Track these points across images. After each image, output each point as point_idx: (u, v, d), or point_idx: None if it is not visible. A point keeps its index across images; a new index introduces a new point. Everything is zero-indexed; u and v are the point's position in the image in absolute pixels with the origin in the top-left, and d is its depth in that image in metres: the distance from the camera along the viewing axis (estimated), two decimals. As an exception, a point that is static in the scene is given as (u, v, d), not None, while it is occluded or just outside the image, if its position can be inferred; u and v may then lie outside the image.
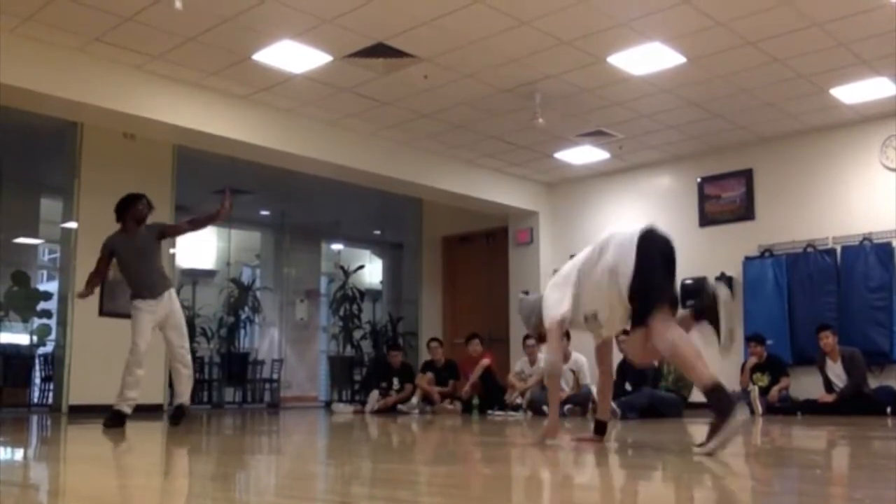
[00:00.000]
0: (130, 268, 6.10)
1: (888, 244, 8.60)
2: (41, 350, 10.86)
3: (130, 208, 6.13)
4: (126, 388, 5.91)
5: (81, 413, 7.79)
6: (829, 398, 8.08)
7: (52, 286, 11.37)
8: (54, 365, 9.38)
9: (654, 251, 3.90)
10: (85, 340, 8.26)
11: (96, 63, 7.20)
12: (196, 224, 6.46)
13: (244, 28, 6.69)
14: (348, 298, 13.96)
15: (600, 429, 4.33)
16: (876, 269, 8.59)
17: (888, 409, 7.69)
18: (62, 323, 8.65)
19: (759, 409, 8.11)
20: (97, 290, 6.47)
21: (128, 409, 5.91)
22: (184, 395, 6.20)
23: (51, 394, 9.66)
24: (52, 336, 10.19)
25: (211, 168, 10.27)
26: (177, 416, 6.11)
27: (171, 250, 8.53)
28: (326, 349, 14.56)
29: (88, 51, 7.09)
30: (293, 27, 6.71)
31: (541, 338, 4.52)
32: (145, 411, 6.43)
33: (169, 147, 9.08)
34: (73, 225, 8.59)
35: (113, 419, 5.81)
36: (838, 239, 8.96)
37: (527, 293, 4.83)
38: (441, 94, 8.12)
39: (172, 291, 6.25)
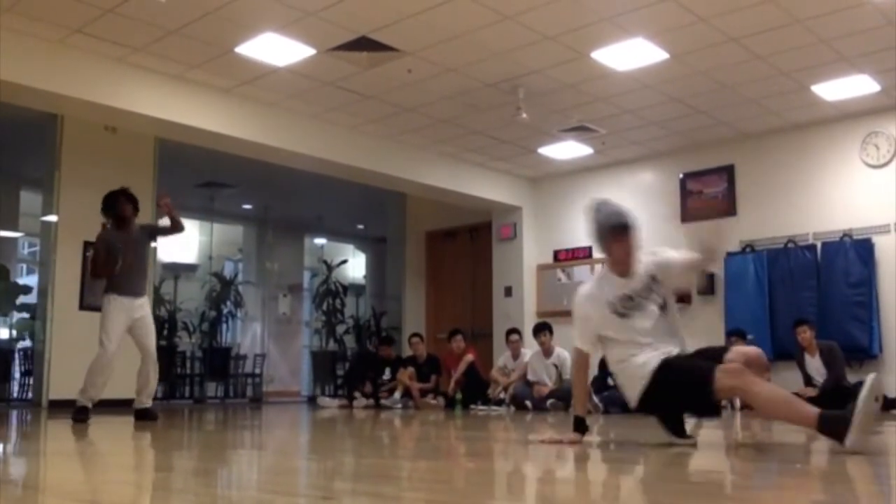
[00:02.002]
0: (123, 263, 6.01)
1: (868, 240, 8.67)
2: (21, 344, 10.78)
3: (114, 206, 6.08)
4: (92, 389, 5.86)
5: (61, 408, 7.72)
6: (811, 392, 8.08)
7: (31, 280, 11.28)
8: (34, 359, 9.31)
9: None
10: (65, 335, 8.20)
11: (77, 55, 7.13)
12: (173, 230, 6.35)
13: (227, 20, 6.65)
14: (331, 293, 13.93)
15: (580, 426, 3.97)
16: (856, 264, 8.66)
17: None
18: (42, 317, 8.58)
19: (739, 403, 8.15)
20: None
21: (90, 404, 5.89)
22: (150, 398, 6.20)
23: (30, 388, 9.58)
24: (32, 330, 10.11)
25: (193, 161, 10.23)
26: (151, 418, 6.11)
27: (152, 244, 8.48)
28: (309, 344, 14.53)
29: (69, 43, 7.02)
30: (276, 20, 6.67)
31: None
32: (128, 406, 6.38)
33: (150, 140, 9.01)
34: (53, 218, 8.52)
35: (81, 414, 5.79)
36: (819, 235, 9.03)
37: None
38: (425, 88, 8.10)
39: (147, 298, 6.23)
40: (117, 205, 6.08)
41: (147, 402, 6.16)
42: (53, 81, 7.05)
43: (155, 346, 6.21)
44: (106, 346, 5.82)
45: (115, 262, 5.95)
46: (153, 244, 6.39)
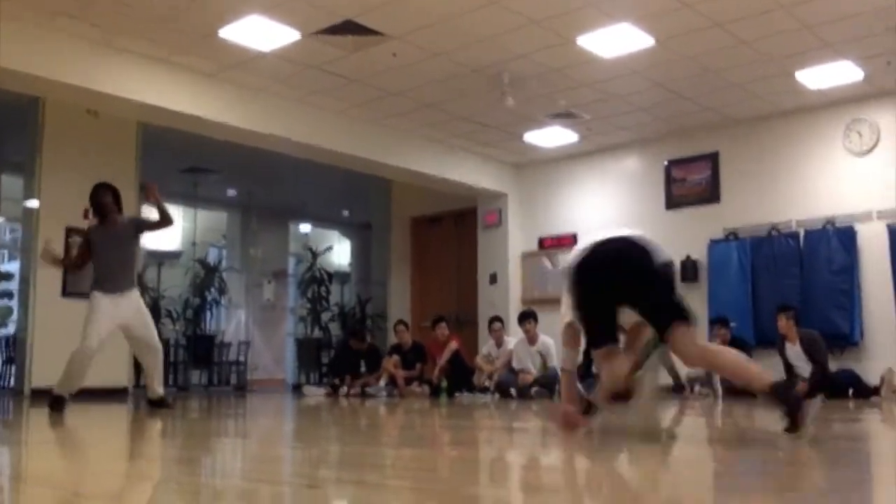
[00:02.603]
0: (102, 258, 5.89)
1: (850, 228, 8.72)
2: (2, 332, 10.70)
3: (94, 197, 5.99)
4: (68, 382, 5.75)
5: (44, 396, 7.66)
6: (803, 387, 7.89)
7: (13, 266, 11.19)
8: (16, 347, 9.24)
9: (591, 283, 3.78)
10: (47, 322, 8.12)
11: (59, 38, 7.04)
12: (161, 223, 6.13)
13: (211, 3, 6.58)
14: (316, 280, 13.88)
15: (591, 410, 4.00)
16: (838, 252, 8.71)
17: (850, 391, 7.81)
18: (24, 304, 8.50)
19: (721, 391, 8.19)
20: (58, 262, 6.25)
21: (68, 395, 5.81)
22: (161, 386, 6.15)
23: (12, 377, 9.52)
24: (14, 317, 10.05)
25: (176, 146, 10.14)
26: (165, 406, 6.08)
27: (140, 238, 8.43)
28: (294, 331, 14.50)
29: (52, 25, 6.92)
30: (261, 2, 6.61)
31: None
32: (110, 395, 6.34)
33: (133, 124, 8.93)
34: (34, 203, 8.43)
35: (58, 403, 5.71)
36: (802, 222, 9.07)
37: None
38: (410, 72, 8.06)
39: (137, 291, 6.09)
40: (96, 195, 5.98)
41: (159, 391, 6.10)
42: (35, 64, 6.95)
43: (156, 336, 6.06)
44: (83, 343, 5.68)
45: (81, 262, 5.93)
46: (140, 238, 6.21)
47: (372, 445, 3.86)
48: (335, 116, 9.24)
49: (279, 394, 11.10)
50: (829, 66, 7.90)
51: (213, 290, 13.26)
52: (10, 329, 10.49)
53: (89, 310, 5.81)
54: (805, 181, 9.14)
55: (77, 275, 8.37)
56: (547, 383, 8.48)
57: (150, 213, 6.29)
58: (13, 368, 9.47)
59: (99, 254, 5.93)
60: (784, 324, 8.13)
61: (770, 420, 4.85)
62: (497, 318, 9.75)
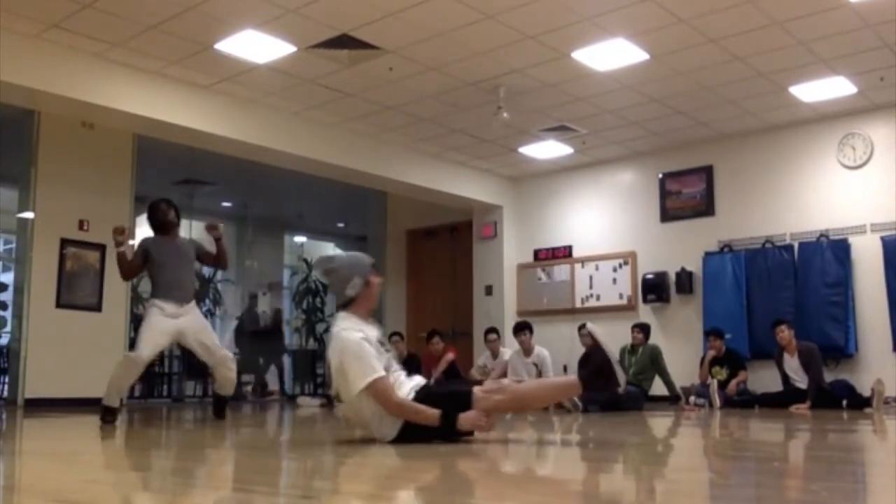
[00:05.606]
0: (166, 268, 5.82)
1: (844, 241, 8.76)
2: (-5, 343, 10.65)
3: (155, 214, 5.95)
4: (120, 389, 5.72)
5: (38, 406, 7.65)
6: (805, 407, 7.79)
7: (7, 277, 11.16)
8: (9, 358, 9.20)
9: None
10: (41, 333, 8.11)
11: (54, 50, 7.06)
12: (217, 261, 6.38)
13: (207, 16, 6.61)
14: (311, 291, 13.87)
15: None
16: (832, 265, 8.75)
17: (844, 403, 7.83)
18: (18, 315, 8.48)
19: (718, 402, 8.21)
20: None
21: (116, 404, 5.76)
22: (230, 390, 6.13)
23: (5, 387, 9.48)
24: (8, 328, 10.00)
25: (171, 158, 10.15)
26: (221, 408, 6.08)
27: (131, 242, 8.43)
28: (289, 342, 14.47)
29: (46, 37, 6.94)
30: (257, 16, 6.64)
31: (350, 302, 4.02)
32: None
33: (129, 137, 8.93)
34: (29, 215, 8.43)
35: (108, 414, 5.62)
36: (796, 235, 9.11)
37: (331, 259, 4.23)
38: (406, 86, 8.09)
39: (193, 303, 6.03)
40: (157, 212, 5.93)
41: (226, 393, 6.11)
42: (30, 77, 6.97)
43: (216, 342, 5.96)
44: (136, 351, 5.60)
45: (138, 269, 5.84)
46: (131, 237, 6.18)
47: (367, 456, 3.86)
48: (331, 129, 9.27)
49: (274, 404, 11.06)
50: (823, 81, 7.97)
51: (207, 301, 13.23)
52: (4, 340, 10.44)
53: (146, 320, 5.73)
54: (799, 194, 9.19)
55: (72, 286, 8.40)
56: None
57: (210, 247, 6.28)
58: (6, 379, 9.43)
59: (163, 265, 5.82)
60: (785, 335, 8.17)
61: (765, 431, 4.86)
62: (493, 330, 9.75)
